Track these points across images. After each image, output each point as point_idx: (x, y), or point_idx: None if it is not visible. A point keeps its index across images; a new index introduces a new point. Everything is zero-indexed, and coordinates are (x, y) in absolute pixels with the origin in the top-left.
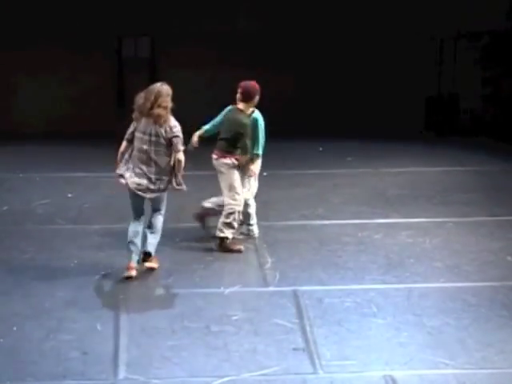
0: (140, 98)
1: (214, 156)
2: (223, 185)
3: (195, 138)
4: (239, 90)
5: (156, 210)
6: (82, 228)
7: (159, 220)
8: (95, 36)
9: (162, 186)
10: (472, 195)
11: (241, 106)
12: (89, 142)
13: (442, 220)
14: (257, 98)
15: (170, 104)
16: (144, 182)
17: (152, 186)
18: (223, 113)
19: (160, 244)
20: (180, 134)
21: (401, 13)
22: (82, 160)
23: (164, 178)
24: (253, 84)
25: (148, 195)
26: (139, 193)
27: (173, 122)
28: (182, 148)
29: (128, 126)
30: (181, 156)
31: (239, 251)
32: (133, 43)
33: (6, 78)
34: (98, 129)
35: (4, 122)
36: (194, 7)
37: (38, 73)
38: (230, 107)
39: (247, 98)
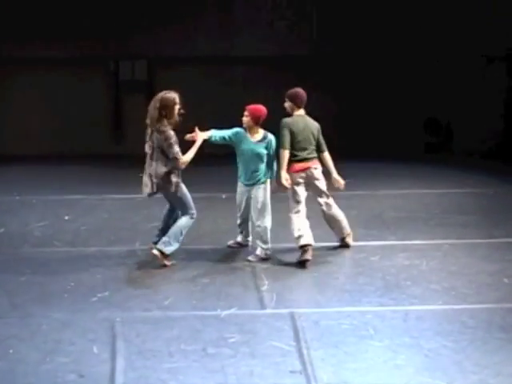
0: (150, 108)
1: (315, 166)
2: (323, 188)
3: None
4: (296, 100)
5: (180, 213)
6: (79, 250)
7: (180, 222)
8: (92, 58)
9: (163, 184)
10: (469, 217)
11: (302, 111)
12: (85, 164)
13: (438, 242)
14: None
15: (174, 113)
16: (146, 181)
17: (150, 185)
18: (289, 125)
19: (155, 266)
20: (172, 145)
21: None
22: (79, 182)
23: (164, 177)
24: (301, 91)
25: (148, 194)
26: (146, 191)
27: (166, 132)
28: (178, 158)
29: (124, 148)
30: (182, 163)
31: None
32: (130, 66)
33: (0, 99)
34: (95, 151)
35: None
36: (191, 30)
37: (34, 94)
38: (290, 118)
39: (302, 103)
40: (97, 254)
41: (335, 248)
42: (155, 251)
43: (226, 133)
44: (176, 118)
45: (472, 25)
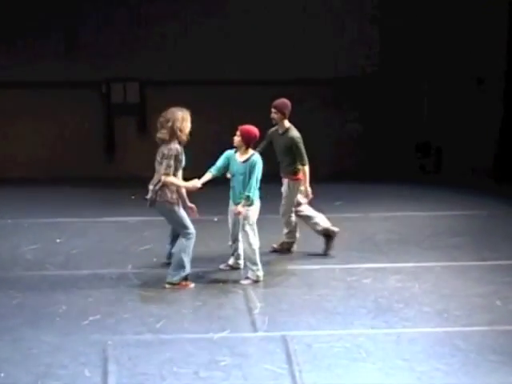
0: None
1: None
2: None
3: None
4: (285, 110)
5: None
6: (71, 273)
7: (176, 247)
8: (84, 80)
9: (156, 198)
10: (460, 239)
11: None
12: (77, 186)
13: (430, 264)
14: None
15: (183, 130)
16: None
17: (149, 195)
18: (301, 139)
19: (147, 289)
20: (170, 157)
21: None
22: (71, 205)
23: (158, 190)
24: (287, 101)
25: (148, 204)
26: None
27: (171, 144)
28: (164, 171)
29: (116, 171)
30: (166, 179)
31: None
32: (122, 88)
33: None
34: (87, 174)
35: None
36: (183, 52)
37: (25, 117)
38: (297, 132)
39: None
40: (89, 277)
41: (326, 271)
42: (166, 285)
43: (221, 162)
44: (185, 135)
45: (464, 47)
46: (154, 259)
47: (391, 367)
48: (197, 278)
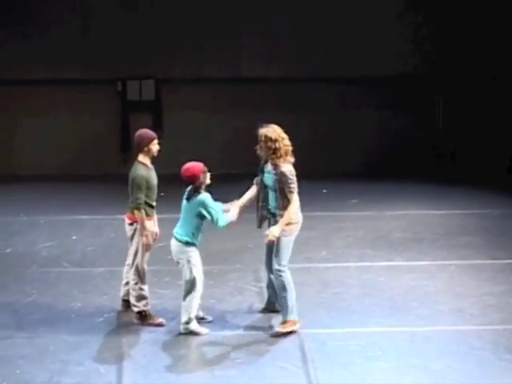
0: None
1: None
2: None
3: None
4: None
5: None
6: (86, 270)
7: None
8: (99, 78)
9: None
10: (474, 238)
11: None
12: (93, 184)
13: (444, 263)
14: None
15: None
16: None
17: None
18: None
19: (162, 286)
20: None
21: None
22: (87, 203)
23: None
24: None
25: None
26: None
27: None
28: None
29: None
30: None
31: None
32: (137, 86)
33: (7, 120)
34: (103, 171)
35: (7, 165)
36: (198, 50)
37: (41, 115)
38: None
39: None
40: (104, 274)
41: (341, 269)
42: None
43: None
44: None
45: (478, 46)
46: (169, 257)
47: (406, 365)
48: (212, 275)
